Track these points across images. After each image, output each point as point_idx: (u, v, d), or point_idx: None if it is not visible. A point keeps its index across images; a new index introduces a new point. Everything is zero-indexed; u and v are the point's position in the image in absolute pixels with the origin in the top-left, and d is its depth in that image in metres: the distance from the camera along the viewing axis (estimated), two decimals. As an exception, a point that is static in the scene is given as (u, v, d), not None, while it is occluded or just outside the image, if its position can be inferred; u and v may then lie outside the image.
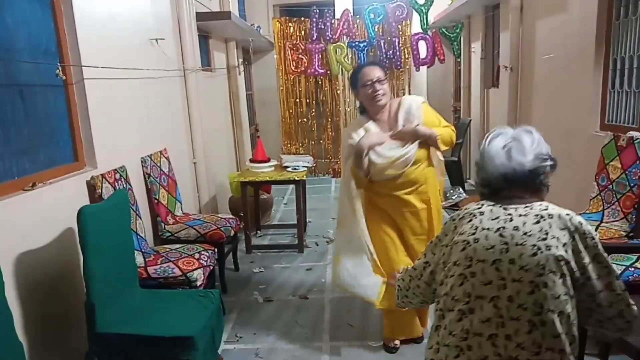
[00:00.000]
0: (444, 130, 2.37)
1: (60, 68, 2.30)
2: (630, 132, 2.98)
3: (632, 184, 2.81)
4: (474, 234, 1.23)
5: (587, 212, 3.12)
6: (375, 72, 2.30)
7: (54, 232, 2.21)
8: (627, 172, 2.86)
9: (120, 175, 2.81)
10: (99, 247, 2.03)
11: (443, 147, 2.36)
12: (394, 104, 2.38)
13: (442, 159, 2.50)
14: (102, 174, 2.61)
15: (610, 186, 3.00)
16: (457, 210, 4.93)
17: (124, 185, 2.81)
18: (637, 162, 2.78)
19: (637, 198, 2.78)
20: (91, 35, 2.63)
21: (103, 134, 2.72)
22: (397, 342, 2.58)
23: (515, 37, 4.57)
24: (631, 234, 2.79)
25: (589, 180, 3.22)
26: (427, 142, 2.31)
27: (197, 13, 4.37)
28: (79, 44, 2.51)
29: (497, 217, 1.22)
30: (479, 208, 1.28)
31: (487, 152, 1.30)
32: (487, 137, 1.34)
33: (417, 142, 2.27)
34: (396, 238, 2.41)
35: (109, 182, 2.64)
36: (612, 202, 2.97)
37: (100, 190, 2.53)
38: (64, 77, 2.39)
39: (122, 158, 2.93)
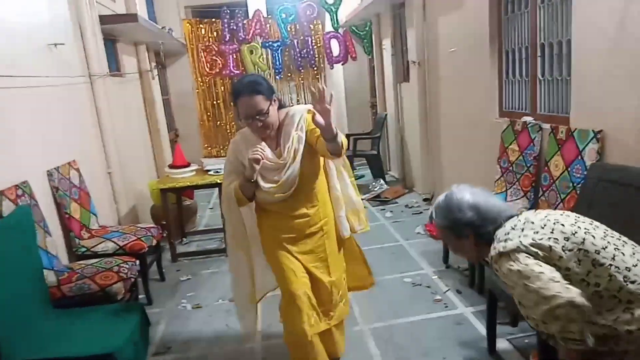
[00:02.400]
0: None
1: (-59, 78, 2.09)
2: (524, 117, 3.27)
3: (528, 165, 3.08)
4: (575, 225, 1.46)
5: (493, 193, 3.39)
6: (256, 105, 1.93)
7: (-54, 258, 2.02)
8: (523, 154, 3.14)
9: (23, 191, 2.61)
10: (1, 269, 1.88)
11: (343, 145, 1.94)
12: (282, 115, 2.09)
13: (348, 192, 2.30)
14: (1, 191, 2.41)
15: (511, 168, 3.27)
16: (379, 200, 5.00)
17: (28, 202, 2.61)
18: (531, 145, 3.06)
19: (533, 177, 3.06)
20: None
21: (0, 148, 2.51)
22: None
23: (421, 34, 4.82)
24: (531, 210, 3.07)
25: (493, 164, 3.50)
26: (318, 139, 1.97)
27: (100, 16, 4.15)
28: (-37, 52, 2.30)
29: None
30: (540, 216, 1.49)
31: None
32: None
33: (298, 159, 2.01)
34: (294, 260, 2.13)
35: (9, 200, 2.44)
36: (513, 182, 3.24)
37: (0, 209, 2.33)
38: (-53, 88, 2.18)
39: (24, 173, 2.72)
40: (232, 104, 2.18)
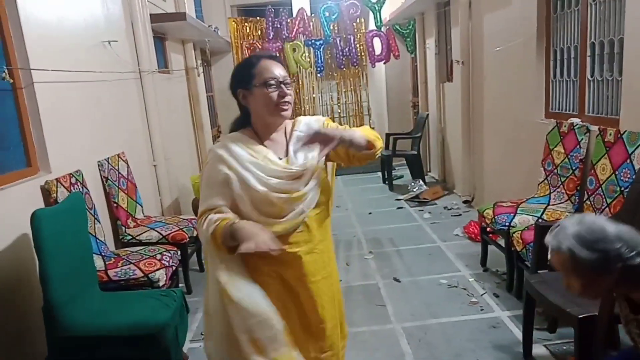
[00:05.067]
0: (358, 129, 1.54)
1: (6, 71, 2.26)
2: (571, 118, 3.16)
3: (574, 167, 2.98)
4: None
5: (536, 196, 3.30)
6: (281, 69, 1.53)
7: (7, 239, 2.17)
8: (569, 157, 3.04)
9: (76, 179, 2.78)
10: (55, 250, 2.01)
11: (376, 143, 1.52)
12: (288, 125, 1.63)
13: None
14: (56, 179, 2.57)
15: (555, 170, 3.18)
16: (418, 201, 4.95)
17: (81, 189, 2.77)
18: (578, 147, 2.96)
19: (579, 180, 2.96)
20: (40, 38, 2.59)
21: (56, 138, 2.68)
22: None
23: (465, 32, 4.74)
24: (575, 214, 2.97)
25: (537, 166, 3.40)
26: (345, 150, 1.52)
27: (151, 15, 4.33)
28: (27, 48, 2.47)
29: None
30: None
31: None
32: None
33: (318, 174, 1.54)
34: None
35: (64, 187, 2.61)
36: (558, 185, 3.14)
37: (55, 195, 2.49)
38: (12, 81, 2.35)
39: (78, 162, 2.90)
40: (236, 86, 1.57)
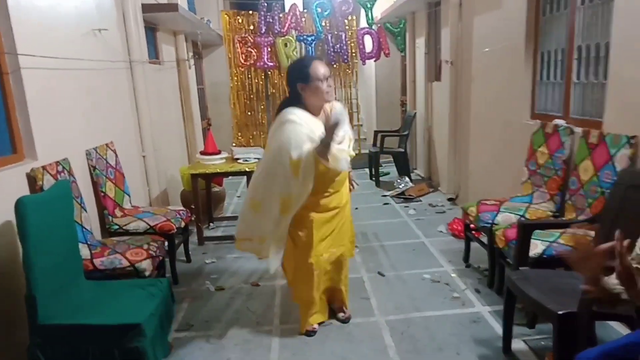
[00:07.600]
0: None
1: (-8, 56, 2.23)
2: (556, 120, 3.23)
3: (557, 168, 3.05)
4: None
5: (519, 195, 3.36)
6: (326, 69, 2.40)
7: (-8, 225, 2.16)
8: (552, 157, 3.10)
9: (63, 167, 2.76)
10: (40, 238, 2.00)
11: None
12: (327, 105, 2.48)
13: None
14: (43, 166, 2.55)
15: (539, 170, 3.24)
16: (403, 198, 5.00)
17: (67, 178, 2.76)
18: (561, 148, 3.02)
19: (561, 181, 3.02)
20: (28, 24, 2.56)
21: (43, 125, 2.66)
22: (316, 326, 2.68)
23: (455, 33, 4.78)
24: (557, 214, 3.04)
25: (521, 166, 3.46)
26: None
27: (143, 4, 4.30)
28: (14, 33, 2.44)
29: None
30: None
31: None
32: None
33: (352, 145, 2.55)
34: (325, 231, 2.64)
35: (50, 175, 2.59)
36: (540, 185, 3.21)
37: (41, 183, 2.48)
38: (-2, 66, 2.32)
39: (65, 150, 2.88)
40: (295, 80, 2.43)
